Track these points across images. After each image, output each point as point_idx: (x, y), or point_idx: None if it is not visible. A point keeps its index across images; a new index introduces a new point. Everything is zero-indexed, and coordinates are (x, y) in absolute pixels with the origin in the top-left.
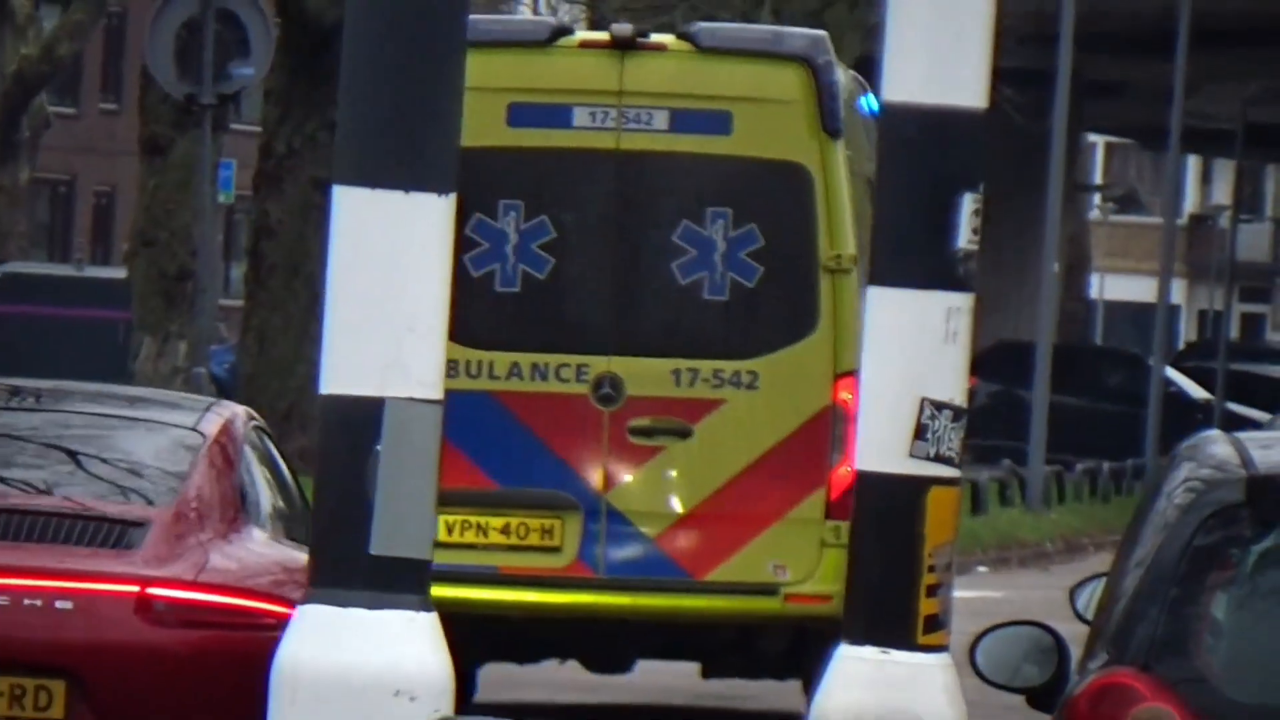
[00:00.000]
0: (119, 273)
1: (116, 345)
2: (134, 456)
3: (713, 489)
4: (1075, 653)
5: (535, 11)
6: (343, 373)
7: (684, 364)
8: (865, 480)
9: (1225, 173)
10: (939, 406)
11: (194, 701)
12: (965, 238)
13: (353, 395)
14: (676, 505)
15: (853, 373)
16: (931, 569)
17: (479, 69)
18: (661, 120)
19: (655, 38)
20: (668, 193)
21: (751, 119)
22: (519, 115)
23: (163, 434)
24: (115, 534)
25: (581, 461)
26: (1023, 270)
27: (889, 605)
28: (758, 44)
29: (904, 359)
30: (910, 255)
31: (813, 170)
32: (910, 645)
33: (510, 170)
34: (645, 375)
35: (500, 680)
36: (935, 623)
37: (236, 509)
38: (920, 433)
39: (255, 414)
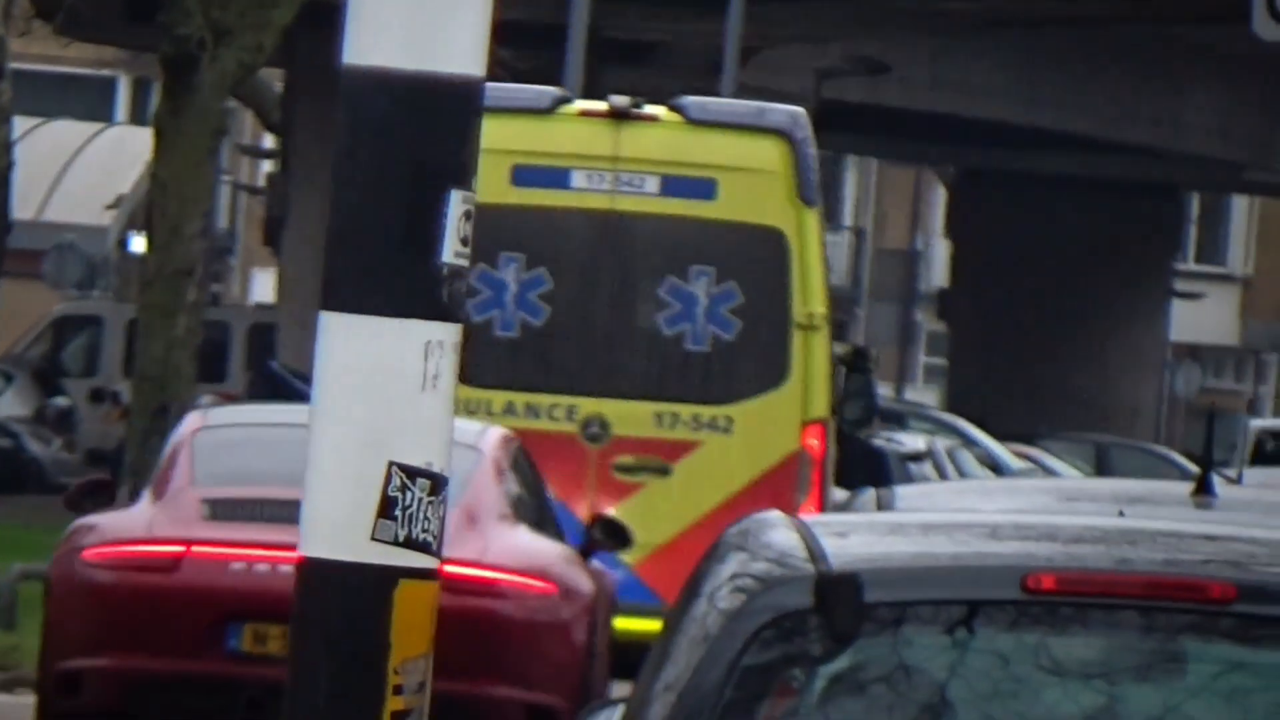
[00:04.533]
0: None
1: None
2: None
3: (688, 523)
4: None
5: None
6: None
7: (666, 408)
8: (310, 570)
9: None
10: (412, 475)
11: (477, 654)
12: (452, 249)
13: None
14: (654, 537)
15: (820, 420)
16: (399, 690)
17: (486, 132)
18: (653, 185)
19: (648, 109)
20: (656, 251)
21: (734, 186)
22: (522, 176)
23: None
24: None
25: (569, 494)
26: None
27: None
28: (742, 118)
29: (365, 410)
30: (376, 272)
31: (789, 235)
32: None
33: (512, 226)
34: (630, 417)
35: None
36: None
37: (506, 508)
38: (386, 509)
39: (515, 437)
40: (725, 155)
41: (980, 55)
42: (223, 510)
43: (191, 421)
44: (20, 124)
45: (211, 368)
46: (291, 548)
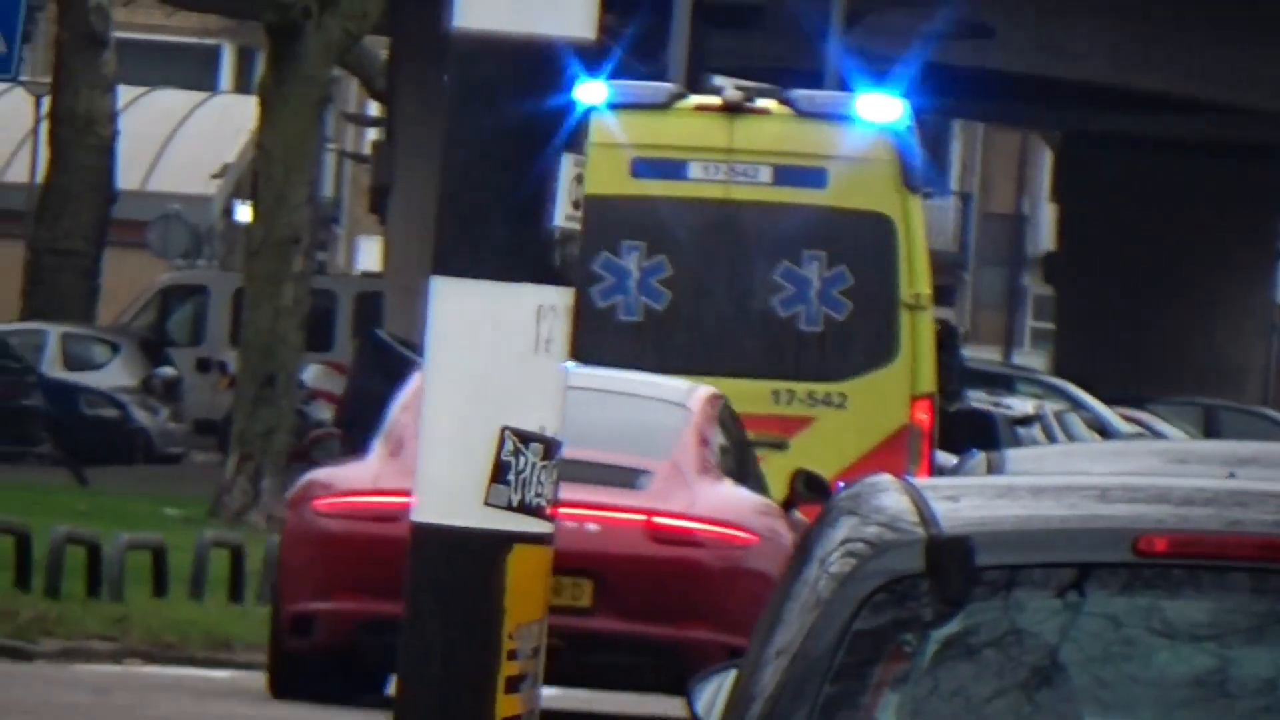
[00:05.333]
0: None
1: None
2: (641, 424)
3: None
4: None
5: None
6: None
7: (782, 385)
8: (424, 536)
9: None
10: (525, 439)
11: (683, 600)
12: (564, 213)
13: None
14: None
15: (928, 395)
16: (513, 655)
17: (606, 127)
18: (765, 174)
19: (760, 103)
20: (770, 237)
21: (843, 175)
22: (641, 168)
23: (660, 409)
24: (629, 478)
25: None
26: None
27: (456, 703)
28: (849, 110)
29: (478, 375)
30: (487, 236)
31: (895, 220)
32: None
33: (633, 216)
34: (748, 395)
35: None
36: None
37: (710, 463)
38: (499, 474)
39: (722, 395)
40: (834, 145)
41: (1085, 17)
42: None
43: (419, 378)
44: (125, 94)
45: (318, 336)
46: None
